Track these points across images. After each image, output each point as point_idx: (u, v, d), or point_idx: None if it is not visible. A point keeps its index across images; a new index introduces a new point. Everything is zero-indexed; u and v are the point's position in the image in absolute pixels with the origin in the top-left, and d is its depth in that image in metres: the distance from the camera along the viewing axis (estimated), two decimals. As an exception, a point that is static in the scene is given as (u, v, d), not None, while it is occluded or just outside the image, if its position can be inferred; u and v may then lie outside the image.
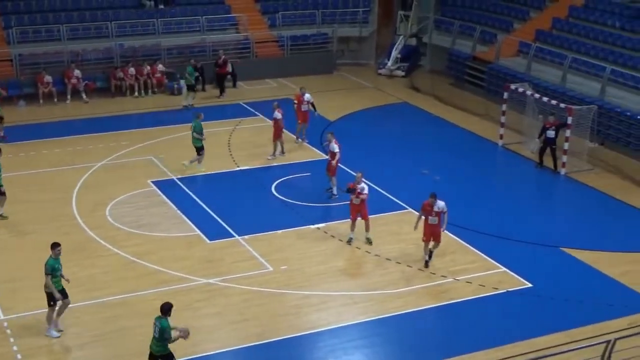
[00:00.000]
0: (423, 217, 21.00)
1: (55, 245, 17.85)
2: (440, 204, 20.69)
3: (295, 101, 29.74)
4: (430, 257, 21.19)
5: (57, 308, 17.79)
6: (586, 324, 18.79)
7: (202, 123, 26.97)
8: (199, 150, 26.87)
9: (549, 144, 27.57)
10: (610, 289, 20.53)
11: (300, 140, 29.53)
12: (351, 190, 21.96)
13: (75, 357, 17.31)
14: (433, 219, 20.77)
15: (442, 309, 19.52)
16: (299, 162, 28.18)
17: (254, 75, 36.21)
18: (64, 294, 17.78)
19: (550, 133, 27.38)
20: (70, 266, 20.71)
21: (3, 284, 19.95)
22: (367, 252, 21.72)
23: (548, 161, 27.85)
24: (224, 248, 22.04)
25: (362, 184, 22.02)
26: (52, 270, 17.63)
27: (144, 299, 19.38)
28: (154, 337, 15.79)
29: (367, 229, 22.28)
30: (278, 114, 28.08)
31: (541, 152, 28.01)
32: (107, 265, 20.94)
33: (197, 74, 35.44)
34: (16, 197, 24.86)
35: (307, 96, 29.45)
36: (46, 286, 17.65)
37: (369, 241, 22.21)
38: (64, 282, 17.84)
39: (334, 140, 25.21)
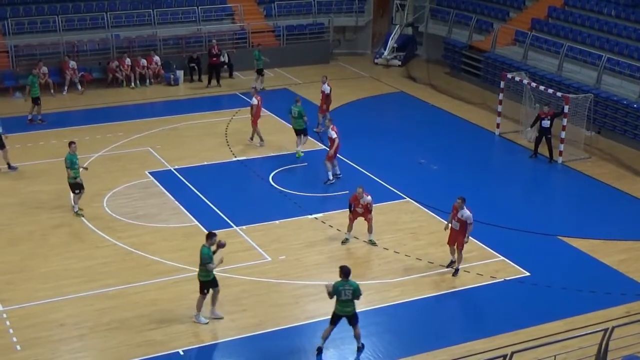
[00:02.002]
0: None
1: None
2: (466, 213, 19.71)
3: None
4: (451, 264, 20.52)
5: (209, 295, 18.08)
6: (584, 312, 18.86)
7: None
8: (303, 132, 26.93)
9: (544, 134, 27.58)
10: (607, 277, 20.59)
11: (321, 127, 29.50)
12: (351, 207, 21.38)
13: (74, 348, 17.32)
14: (455, 224, 19.97)
15: (440, 298, 19.56)
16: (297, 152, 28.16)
17: (251, 65, 36.15)
18: (214, 284, 18.06)
19: (545, 123, 27.38)
20: (68, 257, 20.83)
21: (0, 275, 19.93)
22: (364, 241, 21.74)
23: (544, 150, 27.86)
24: (222, 238, 21.91)
25: (365, 197, 21.29)
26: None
27: (142, 290, 19.41)
28: (343, 300, 16.76)
29: (369, 230, 21.83)
30: (255, 100, 28.25)
31: (536, 142, 28.01)
32: (105, 256, 20.94)
33: (192, 64, 35.55)
34: (13, 188, 24.88)
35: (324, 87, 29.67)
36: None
37: (372, 243, 21.85)
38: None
39: (331, 127, 25.24)
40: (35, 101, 30.11)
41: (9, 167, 26.08)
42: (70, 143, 23.05)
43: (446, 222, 20.46)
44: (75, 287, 19.41)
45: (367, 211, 21.47)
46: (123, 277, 19.92)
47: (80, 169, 23.04)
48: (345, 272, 16.84)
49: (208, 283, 18.06)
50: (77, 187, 22.89)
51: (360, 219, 21.73)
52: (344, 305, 16.88)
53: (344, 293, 16.75)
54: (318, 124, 29.92)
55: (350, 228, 21.90)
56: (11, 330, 17.73)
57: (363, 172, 26.46)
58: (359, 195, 21.30)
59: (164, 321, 18.18)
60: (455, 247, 20.21)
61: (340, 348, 17.55)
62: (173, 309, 18.70)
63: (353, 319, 17.09)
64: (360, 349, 17.36)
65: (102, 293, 19.27)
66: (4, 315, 18.26)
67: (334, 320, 17.11)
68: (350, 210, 21.61)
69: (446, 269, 20.57)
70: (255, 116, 28.35)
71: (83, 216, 22.86)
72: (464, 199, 19.91)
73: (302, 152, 27.28)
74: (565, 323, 18.42)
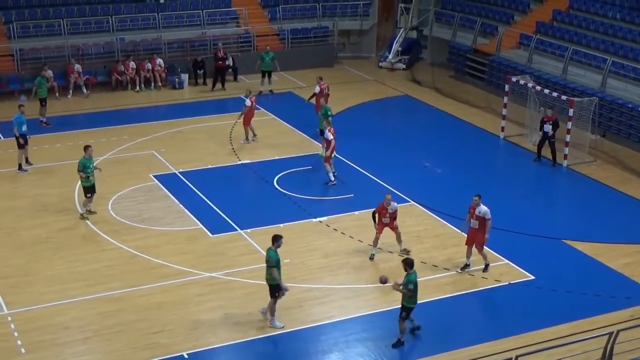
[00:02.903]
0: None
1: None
2: (483, 208, 19.96)
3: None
4: (465, 267, 20.63)
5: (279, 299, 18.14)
6: (588, 315, 18.83)
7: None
8: (327, 120, 26.88)
9: (547, 138, 27.56)
10: (612, 280, 20.56)
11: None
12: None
13: (78, 352, 17.33)
14: (474, 222, 20.15)
15: (445, 301, 19.55)
16: (301, 155, 28.18)
17: (255, 68, 36.21)
18: (277, 289, 17.98)
19: (547, 127, 27.38)
20: (73, 260, 20.87)
21: (5, 278, 19.98)
22: (369, 244, 21.72)
23: (548, 154, 27.82)
24: (227, 242, 22.07)
25: (393, 204, 21.07)
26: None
27: (147, 293, 19.43)
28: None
29: (399, 240, 21.46)
30: (248, 102, 28.62)
31: (539, 145, 28.01)
32: (110, 260, 20.96)
33: (198, 68, 35.63)
34: (18, 191, 24.93)
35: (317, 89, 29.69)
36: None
37: (406, 252, 21.39)
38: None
39: (328, 128, 25.28)
40: (42, 102, 30.19)
41: (20, 168, 26.22)
42: (86, 147, 22.99)
43: (462, 226, 20.80)
44: (80, 290, 19.43)
45: (392, 219, 21.13)
46: (128, 280, 19.95)
47: (95, 171, 23.03)
48: (409, 263, 17.42)
49: (276, 287, 17.93)
50: (89, 190, 22.91)
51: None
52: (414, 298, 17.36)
53: (409, 285, 17.25)
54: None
55: (376, 242, 21.32)
56: (16, 334, 17.75)
57: (368, 175, 26.46)
58: (386, 203, 20.89)
59: (169, 324, 18.20)
60: (475, 246, 20.37)
61: (345, 352, 17.54)
62: (177, 312, 18.71)
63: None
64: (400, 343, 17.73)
65: (106, 296, 19.29)
66: (9, 319, 18.29)
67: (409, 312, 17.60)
68: (375, 222, 21.17)
69: (450, 272, 20.56)
70: (247, 116, 28.60)
71: (87, 219, 22.88)
72: (480, 195, 20.20)
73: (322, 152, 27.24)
74: (570, 327, 18.38)
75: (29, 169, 26.41)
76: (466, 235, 20.66)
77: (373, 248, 21.44)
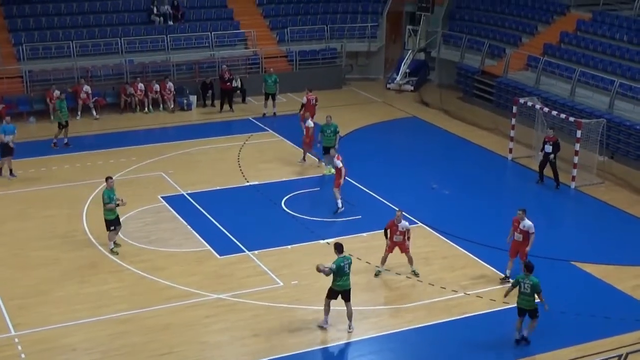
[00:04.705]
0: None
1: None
2: (527, 223, 20.67)
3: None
4: (505, 278, 21.20)
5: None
6: (598, 338, 18.74)
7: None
8: (333, 148, 26.93)
9: (547, 158, 27.60)
10: (621, 302, 20.47)
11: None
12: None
13: (86, 373, 17.33)
14: (518, 235, 20.85)
15: (453, 323, 19.47)
16: (309, 177, 28.22)
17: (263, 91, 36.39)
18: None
19: (548, 147, 27.41)
20: (81, 282, 20.89)
21: (13, 300, 19.97)
22: (376, 266, 21.68)
23: (551, 173, 27.74)
24: (235, 263, 22.06)
25: (403, 222, 21.15)
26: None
27: (155, 314, 19.41)
28: (522, 292, 18.19)
29: (410, 261, 21.51)
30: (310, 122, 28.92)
31: (541, 166, 28.04)
32: (118, 281, 20.97)
33: (206, 90, 35.75)
34: (26, 213, 24.98)
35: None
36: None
37: (415, 274, 21.48)
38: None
39: (336, 156, 25.33)
40: (65, 125, 30.51)
41: (11, 173, 27.06)
42: (107, 178, 22.38)
43: (507, 239, 21.31)
44: (88, 312, 19.42)
45: (404, 239, 21.14)
46: (136, 302, 19.94)
47: (118, 203, 22.19)
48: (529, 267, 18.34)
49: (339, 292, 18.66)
50: (113, 223, 22.24)
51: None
52: (524, 297, 18.24)
53: (523, 286, 18.15)
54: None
55: (384, 260, 21.41)
56: (23, 355, 17.73)
57: (376, 197, 26.45)
58: (397, 220, 20.98)
59: (176, 346, 18.17)
60: (519, 257, 20.89)
61: None
62: (185, 334, 18.68)
63: (533, 313, 18.36)
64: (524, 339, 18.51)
65: (114, 317, 19.28)
66: (16, 340, 18.28)
67: (520, 312, 18.45)
68: (386, 238, 21.26)
69: (458, 294, 20.50)
70: (310, 137, 28.78)
71: (118, 253, 22.36)
72: (525, 210, 20.86)
73: (328, 169, 27.66)
74: (579, 349, 18.29)
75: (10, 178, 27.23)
76: (509, 248, 21.22)
77: (380, 266, 21.47)
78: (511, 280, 20.40)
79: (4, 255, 22.35)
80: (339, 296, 18.64)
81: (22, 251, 22.60)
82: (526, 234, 20.73)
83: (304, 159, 29.11)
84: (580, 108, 31.29)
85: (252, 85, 36.67)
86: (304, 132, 28.66)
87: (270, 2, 41.33)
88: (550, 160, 27.52)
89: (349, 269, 18.55)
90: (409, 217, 24.80)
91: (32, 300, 20.01)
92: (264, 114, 34.66)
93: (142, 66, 36.28)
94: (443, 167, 29.86)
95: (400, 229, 21.03)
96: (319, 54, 39.69)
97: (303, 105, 31.38)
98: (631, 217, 25.75)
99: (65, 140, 30.77)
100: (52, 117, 30.99)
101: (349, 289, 18.64)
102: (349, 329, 18.76)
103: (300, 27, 40.36)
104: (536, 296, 18.21)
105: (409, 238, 21.24)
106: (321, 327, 18.85)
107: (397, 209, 21.53)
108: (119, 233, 22.97)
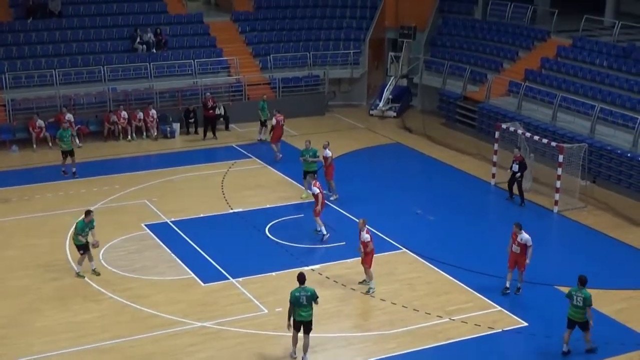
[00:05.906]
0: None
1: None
2: (525, 236, 21.37)
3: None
4: (506, 290, 21.86)
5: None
6: (583, 362, 18.76)
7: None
8: (312, 174, 26.98)
9: (515, 177, 28.19)
10: (605, 326, 20.45)
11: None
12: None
13: (69, 404, 17.14)
14: (516, 248, 21.50)
15: (438, 349, 19.42)
16: (293, 203, 28.19)
17: (247, 117, 36.35)
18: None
19: (515, 166, 28.02)
20: (64, 311, 20.71)
21: (-4, 330, 19.82)
22: (361, 293, 21.64)
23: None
24: (219, 291, 21.97)
25: (363, 233, 21.52)
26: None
27: (138, 344, 19.26)
28: (574, 305, 18.78)
29: (367, 276, 21.95)
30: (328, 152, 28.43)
31: (509, 183, 28.61)
32: (101, 310, 20.82)
33: (189, 117, 35.77)
34: (8, 242, 24.82)
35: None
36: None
37: (368, 291, 21.84)
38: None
39: (313, 182, 25.35)
40: (70, 154, 30.28)
41: None
42: (88, 212, 22.49)
43: (507, 248, 21.80)
44: (70, 342, 19.25)
45: (366, 253, 21.58)
46: (118, 331, 19.78)
47: (89, 241, 22.32)
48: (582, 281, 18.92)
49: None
50: (81, 248, 22.37)
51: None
52: (575, 309, 18.73)
53: (576, 299, 18.67)
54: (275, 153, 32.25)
55: (368, 275, 22.07)
56: (5, 386, 17.58)
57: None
58: (359, 227, 21.64)
59: (160, 375, 18.05)
60: (517, 268, 21.65)
61: None
62: (169, 363, 18.56)
63: (583, 325, 18.80)
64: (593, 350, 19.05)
65: (97, 347, 19.10)
66: (-2, 371, 18.13)
67: (569, 324, 18.91)
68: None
69: (443, 319, 20.48)
70: (329, 168, 28.37)
71: (84, 277, 22.49)
72: (520, 224, 21.58)
73: (306, 193, 27.85)
74: (565, 374, 18.30)
75: None
76: (508, 259, 21.74)
77: (371, 282, 21.92)
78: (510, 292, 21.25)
79: (-15, 285, 22.18)
80: (301, 328, 18.35)
81: (2, 281, 22.41)
82: (524, 247, 21.40)
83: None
84: (562, 133, 31.50)
85: (235, 113, 36.74)
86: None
87: (253, 30, 41.52)
88: (517, 179, 28.04)
89: (307, 301, 18.12)
90: (393, 242, 24.86)
91: (13, 330, 19.82)
92: (260, 140, 34.80)
93: (125, 94, 36.28)
94: (427, 192, 29.93)
95: (361, 239, 21.48)
96: (302, 81, 39.83)
97: (273, 127, 32.56)
98: (614, 240, 25.85)
99: (73, 170, 30.47)
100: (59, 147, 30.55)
101: (309, 321, 18.28)
102: None
103: (283, 54, 40.51)
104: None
105: (368, 254, 21.60)
106: (292, 357, 18.69)
107: (360, 219, 21.93)
108: (102, 261, 22.82)
